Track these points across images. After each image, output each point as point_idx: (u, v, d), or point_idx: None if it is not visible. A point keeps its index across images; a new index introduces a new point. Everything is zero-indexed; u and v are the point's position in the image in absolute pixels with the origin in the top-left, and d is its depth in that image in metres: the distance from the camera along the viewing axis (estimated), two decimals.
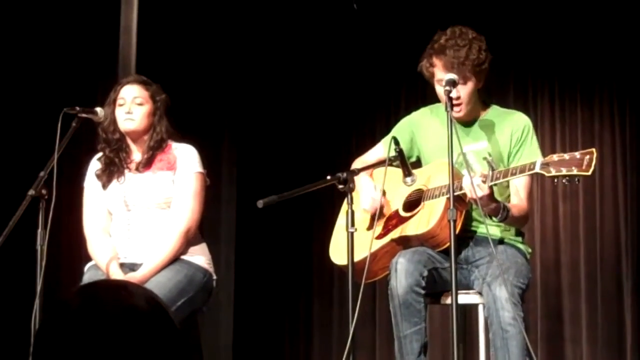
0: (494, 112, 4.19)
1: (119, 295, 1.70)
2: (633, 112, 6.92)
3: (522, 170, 3.76)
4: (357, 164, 4.26)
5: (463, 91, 3.97)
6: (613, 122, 7.00)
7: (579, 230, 6.96)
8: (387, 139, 4.25)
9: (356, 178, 4.08)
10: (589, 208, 6.95)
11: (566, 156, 3.65)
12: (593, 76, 7.04)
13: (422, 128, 4.28)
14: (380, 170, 4.17)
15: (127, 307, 1.67)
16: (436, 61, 4.02)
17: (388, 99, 7.57)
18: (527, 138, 4.08)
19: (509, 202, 4.00)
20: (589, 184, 6.87)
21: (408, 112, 4.49)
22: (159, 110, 4.32)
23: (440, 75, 4.00)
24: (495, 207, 3.83)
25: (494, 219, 3.85)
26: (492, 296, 3.79)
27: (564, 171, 3.61)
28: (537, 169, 3.69)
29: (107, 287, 1.78)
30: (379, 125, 7.41)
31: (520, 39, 7.09)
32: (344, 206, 4.17)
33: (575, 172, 3.59)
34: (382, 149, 4.33)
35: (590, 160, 3.57)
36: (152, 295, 1.74)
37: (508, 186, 4.09)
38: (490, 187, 3.78)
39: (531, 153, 4.00)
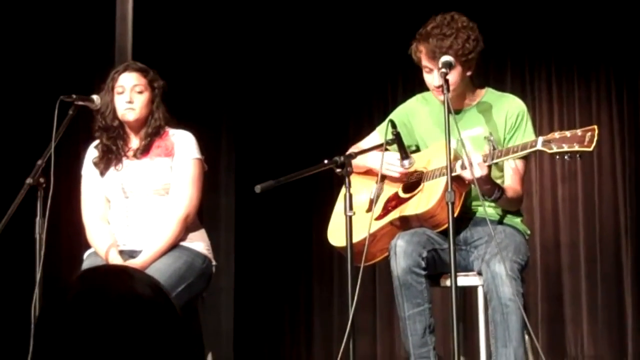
0: (488, 97, 4.17)
1: (121, 281, 1.69)
2: (630, 92, 6.92)
3: (524, 147, 3.77)
4: (353, 149, 4.26)
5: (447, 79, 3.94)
6: (610, 103, 7.00)
7: (578, 212, 6.96)
8: (382, 126, 4.26)
9: (363, 160, 4.08)
10: (587, 189, 6.95)
11: (567, 133, 3.66)
12: (590, 56, 7.03)
13: (418, 115, 4.28)
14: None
15: (130, 293, 1.66)
16: (421, 47, 4.01)
17: (385, 83, 7.57)
18: (522, 124, 4.07)
19: (503, 184, 4.00)
20: (587, 165, 6.88)
21: (405, 97, 4.48)
22: (157, 97, 4.32)
23: (425, 62, 4.00)
24: (491, 187, 3.84)
25: (487, 199, 3.86)
26: (491, 272, 3.79)
27: (565, 147, 3.63)
28: (539, 146, 3.70)
29: (109, 273, 1.77)
30: (376, 110, 7.41)
31: (516, 19, 7.08)
32: (343, 190, 4.18)
33: (577, 148, 3.60)
34: (377, 136, 4.33)
35: (592, 136, 3.59)
36: (155, 282, 1.73)
37: (503, 170, 4.09)
38: (489, 168, 3.78)
39: (526, 138, 3.99)
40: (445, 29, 3.95)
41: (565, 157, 3.66)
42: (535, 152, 3.78)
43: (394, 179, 4.19)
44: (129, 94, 4.26)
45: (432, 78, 4.00)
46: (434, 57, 3.93)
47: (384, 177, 4.17)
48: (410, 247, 3.88)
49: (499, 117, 4.09)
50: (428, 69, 4.01)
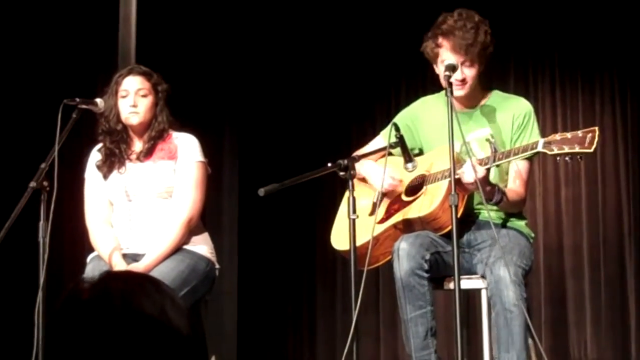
0: (495, 98, 4.18)
1: (142, 292, 1.64)
2: (634, 95, 6.91)
3: (525, 149, 3.77)
4: (356, 154, 4.26)
5: (469, 73, 3.98)
6: (614, 105, 6.99)
7: (582, 214, 6.95)
8: (386, 130, 4.24)
9: (359, 167, 4.08)
10: (591, 191, 6.94)
11: (568, 135, 3.67)
12: (593, 59, 7.02)
13: (422, 118, 4.27)
14: (382, 161, 4.18)
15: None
16: (443, 42, 4.00)
17: (388, 87, 7.56)
18: (529, 124, 4.08)
19: (506, 187, 4.00)
20: (591, 167, 6.87)
21: (408, 100, 4.48)
22: (161, 101, 4.31)
23: (446, 55, 3.98)
24: (490, 189, 3.83)
25: (489, 202, 3.85)
26: (495, 277, 3.79)
27: (566, 149, 3.63)
28: (540, 148, 3.71)
29: (130, 279, 1.71)
30: (379, 114, 7.40)
31: (520, 22, 7.07)
32: (347, 193, 4.17)
33: (577, 149, 3.61)
34: (381, 140, 4.32)
35: (593, 138, 3.59)
36: (175, 297, 1.68)
37: (507, 173, 4.09)
38: (487, 170, 3.78)
39: (531, 139, 3.99)
40: (467, 22, 3.98)
41: (566, 158, 3.66)
42: (536, 153, 3.79)
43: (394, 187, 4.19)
44: (133, 98, 4.26)
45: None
46: (459, 50, 3.94)
47: None
48: (413, 250, 3.88)
49: (506, 118, 4.09)
50: (444, 67, 3.96)
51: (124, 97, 4.27)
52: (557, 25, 7.05)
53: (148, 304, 1.61)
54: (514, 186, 4.02)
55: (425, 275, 3.89)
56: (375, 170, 4.17)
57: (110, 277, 1.70)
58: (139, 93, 4.28)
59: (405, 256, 3.87)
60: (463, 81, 3.98)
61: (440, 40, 4.02)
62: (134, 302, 1.61)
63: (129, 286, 1.64)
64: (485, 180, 3.78)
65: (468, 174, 3.74)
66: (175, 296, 1.68)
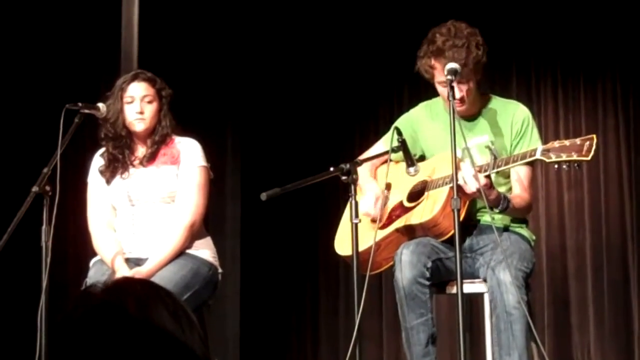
0: (493, 104, 4.17)
1: (157, 298, 1.60)
2: (636, 97, 6.90)
3: (524, 156, 3.78)
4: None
5: (465, 89, 3.95)
6: (616, 108, 6.98)
7: (585, 218, 6.94)
8: (387, 136, 4.24)
9: (361, 183, 4.08)
10: (593, 195, 6.93)
11: (567, 142, 3.68)
12: (596, 62, 7.01)
13: (423, 124, 4.26)
14: (384, 168, 4.18)
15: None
16: (436, 64, 3.97)
17: (391, 91, 7.56)
18: (527, 130, 4.07)
19: (510, 193, 3.99)
20: (594, 170, 6.86)
21: (411, 103, 4.47)
22: (164, 106, 4.31)
23: (442, 77, 3.94)
24: (496, 197, 3.82)
25: (495, 209, 3.84)
26: (496, 280, 3.80)
27: (564, 157, 3.64)
28: (538, 155, 3.72)
29: (146, 286, 1.66)
30: (382, 118, 7.40)
31: (522, 26, 7.07)
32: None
33: (575, 157, 3.61)
34: (382, 147, 4.31)
35: (590, 145, 3.60)
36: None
37: (508, 177, 4.08)
38: (488, 177, 3.78)
39: (531, 145, 3.99)
40: (456, 40, 3.92)
41: (564, 166, 3.67)
42: (534, 161, 3.79)
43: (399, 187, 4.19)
44: (139, 104, 4.25)
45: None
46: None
47: (389, 186, 4.17)
48: (415, 258, 3.87)
49: (505, 124, 4.09)
50: (446, 83, 3.93)
51: (129, 103, 4.26)
52: (559, 29, 7.05)
53: (163, 312, 1.57)
54: (519, 192, 4.01)
55: (427, 283, 3.89)
56: (367, 192, 4.18)
57: (125, 281, 1.67)
58: (145, 99, 4.27)
59: (408, 264, 3.87)
60: (461, 100, 3.95)
61: (433, 62, 3.98)
62: (149, 309, 1.57)
63: (144, 292, 1.60)
64: (488, 187, 3.78)
65: (471, 184, 3.73)
66: (188, 309, 1.63)
